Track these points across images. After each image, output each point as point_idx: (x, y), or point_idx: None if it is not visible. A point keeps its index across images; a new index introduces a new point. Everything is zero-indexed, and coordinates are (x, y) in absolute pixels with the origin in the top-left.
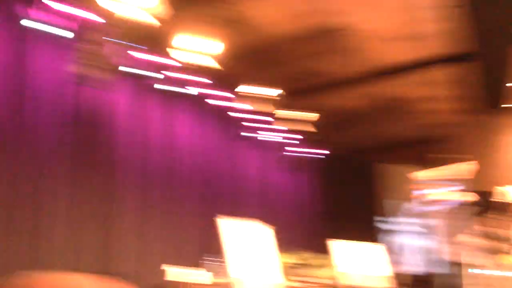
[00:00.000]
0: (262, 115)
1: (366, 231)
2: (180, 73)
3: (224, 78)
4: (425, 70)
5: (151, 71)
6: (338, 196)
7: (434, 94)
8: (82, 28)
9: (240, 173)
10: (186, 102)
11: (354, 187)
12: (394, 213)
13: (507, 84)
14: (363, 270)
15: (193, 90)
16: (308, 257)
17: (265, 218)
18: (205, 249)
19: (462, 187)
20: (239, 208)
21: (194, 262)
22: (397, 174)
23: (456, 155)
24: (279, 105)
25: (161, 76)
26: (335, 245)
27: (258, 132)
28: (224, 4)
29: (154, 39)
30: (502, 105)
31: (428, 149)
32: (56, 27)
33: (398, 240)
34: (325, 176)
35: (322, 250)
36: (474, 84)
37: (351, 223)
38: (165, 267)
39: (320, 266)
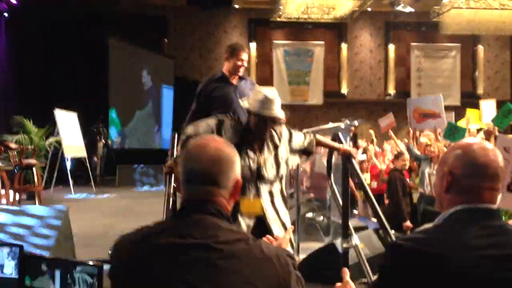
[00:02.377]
0: None
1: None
2: None
3: None
4: None
5: None
6: (65, 65)
7: None
8: None
9: None
10: None
11: (80, 57)
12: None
13: None
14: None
15: None
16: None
17: None
18: None
19: None
20: None
21: None
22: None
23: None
24: None
25: None
26: (59, 115)
27: None
28: None
29: None
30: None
31: (153, 28)
32: None
33: None
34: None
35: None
36: None
37: (76, 94)
38: None
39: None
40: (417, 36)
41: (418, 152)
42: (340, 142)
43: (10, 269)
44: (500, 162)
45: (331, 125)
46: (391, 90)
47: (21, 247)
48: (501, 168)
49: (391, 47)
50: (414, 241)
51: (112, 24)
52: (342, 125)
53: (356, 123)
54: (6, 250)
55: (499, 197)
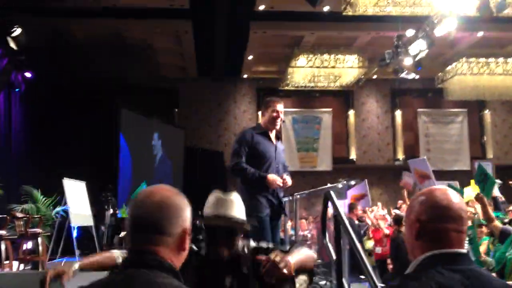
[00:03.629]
0: None
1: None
2: None
3: None
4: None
5: None
6: (76, 135)
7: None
8: None
9: None
10: None
11: (91, 128)
12: None
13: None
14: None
15: None
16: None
17: None
18: None
19: None
20: None
21: None
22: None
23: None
24: None
25: None
26: (68, 184)
27: None
28: None
29: None
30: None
31: (163, 99)
32: None
33: None
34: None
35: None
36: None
37: (86, 164)
38: None
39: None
40: (424, 102)
41: None
42: (332, 200)
43: None
44: (462, 205)
45: (329, 186)
46: (400, 155)
47: None
48: (464, 210)
49: (398, 113)
50: None
51: (124, 96)
52: (339, 185)
53: (352, 182)
54: None
55: (466, 241)
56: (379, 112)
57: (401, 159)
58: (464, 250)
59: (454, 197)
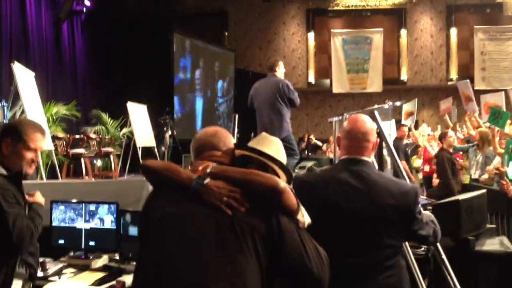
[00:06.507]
0: None
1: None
2: None
3: None
4: None
5: None
6: (134, 62)
7: None
8: None
9: None
10: None
11: (147, 54)
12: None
13: None
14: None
15: None
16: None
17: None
18: None
19: None
20: None
21: None
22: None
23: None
24: None
25: None
26: (131, 107)
27: None
28: None
29: None
30: None
31: (214, 24)
32: None
33: None
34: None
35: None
36: None
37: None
38: None
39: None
40: (481, 19)
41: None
42: (376, 120)
43: (109, 222)
44: (362, 128)
45: (376, 106)
46: (454, 75)
47: (117, 204)
48: (363, 133)
49: (453, 31)
50: (306, 175)
51: (176, 21)
52: (385, 106)
53: (398, 103)
54: (105, 207)
55: (371, 153)
56: (433, 30)
57: (454, 79)
58: (363, 157)
59: (359, 123)
